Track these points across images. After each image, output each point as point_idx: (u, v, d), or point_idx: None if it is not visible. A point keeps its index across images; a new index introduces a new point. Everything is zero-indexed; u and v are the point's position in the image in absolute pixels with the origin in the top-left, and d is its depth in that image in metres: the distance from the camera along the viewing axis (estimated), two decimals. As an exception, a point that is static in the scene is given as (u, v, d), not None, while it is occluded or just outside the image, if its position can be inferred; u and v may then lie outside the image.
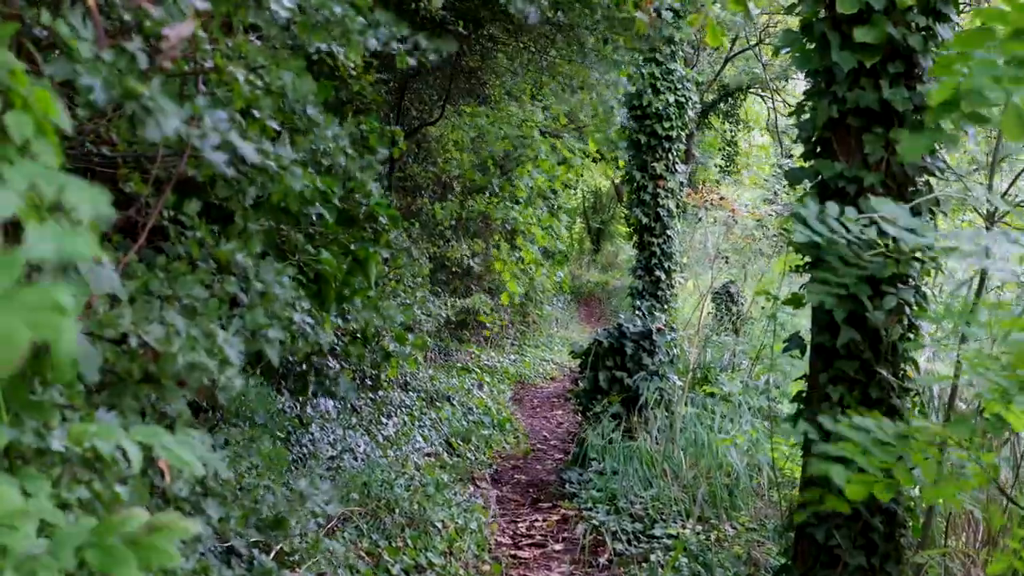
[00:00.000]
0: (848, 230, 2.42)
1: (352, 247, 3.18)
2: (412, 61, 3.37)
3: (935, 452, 2.38)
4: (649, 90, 11.64)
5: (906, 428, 2.36)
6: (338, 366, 5.84)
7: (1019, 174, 4.66)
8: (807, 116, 3.98)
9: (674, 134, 11.87)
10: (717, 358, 9.85)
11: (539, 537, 6.14)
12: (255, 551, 3.69)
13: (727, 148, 24.21)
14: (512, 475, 7.82)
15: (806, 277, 4.03)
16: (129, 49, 1.89)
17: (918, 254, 3.25)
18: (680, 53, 12.00)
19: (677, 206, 12.44)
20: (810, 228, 2.35)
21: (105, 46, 1.89)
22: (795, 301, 4.01)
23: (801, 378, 4.18)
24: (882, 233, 2.52)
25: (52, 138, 1.29)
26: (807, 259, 3.89)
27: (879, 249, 2.53)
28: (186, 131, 1.99)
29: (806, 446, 4.01)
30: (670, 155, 11.97)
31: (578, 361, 8.42)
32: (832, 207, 2.53)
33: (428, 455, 7.47)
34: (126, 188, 2.59)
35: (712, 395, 8.04)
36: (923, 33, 3.68)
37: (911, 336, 3.81)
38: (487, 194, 11.28)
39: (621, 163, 12.90)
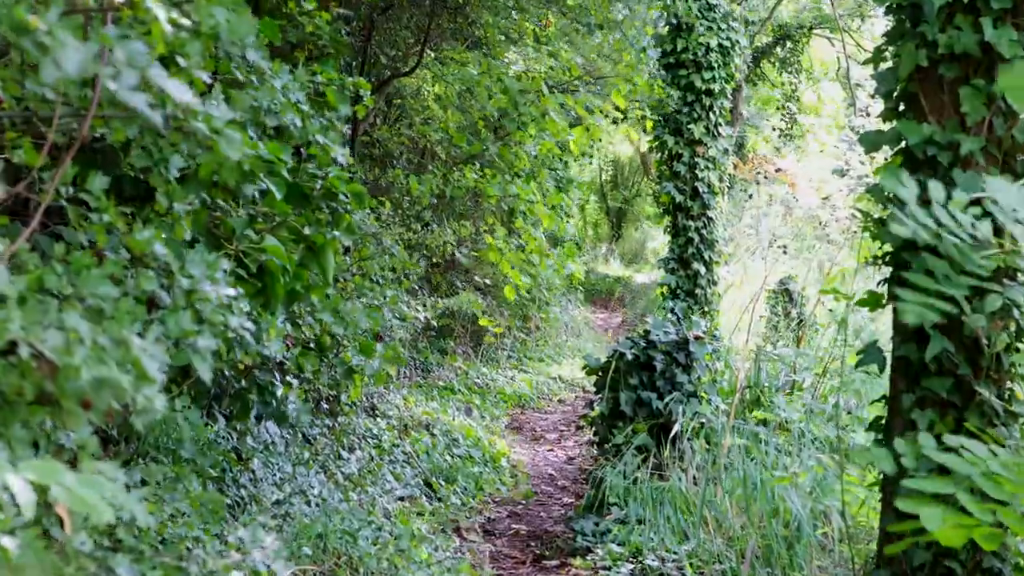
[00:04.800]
0: (959, 223, 2.38)
1: (305, 232, 3.18)
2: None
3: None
4: (685, 31, 11.65)
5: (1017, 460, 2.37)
6: (288, 383, 5.84)
7: None
8: (888, 65, 3.98)
9: (716, 87, 11.89)
10: (772, 375, 9.86)
11: (544, 604, 6.15)
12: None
13: (786, 106, 24.23)
14: (509, 524, 7.83)
15: (887, 270, 4.04)
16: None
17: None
18: (725, -17, 12.02)
19: (721, 180, 12.46)
20: (912, 217, 2.30)
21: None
22: (872, 302, 4.01)
23: (880, 400, 4.19)
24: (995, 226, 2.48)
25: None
26: (889, 247, 3.90)
27: (993, 249, 2.49)
28: (94, 68, 1.99)
29: (885, 486, 4.02)
30: (711, 114, 11.99)
31: (594, 378, 8.42)
32: (936, 188, 2.50)
33: (401, 499, 7.47)
34: (14, 158, 2.60)
35: (765, 423, 8.05)
36: (1036, -42, 3.69)
37: (1021, 346, 3.81)
38: (478, 165, 11.29)
39: (649, 124, 12.89)
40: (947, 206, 2.54)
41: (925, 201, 2.45)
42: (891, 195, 2.52)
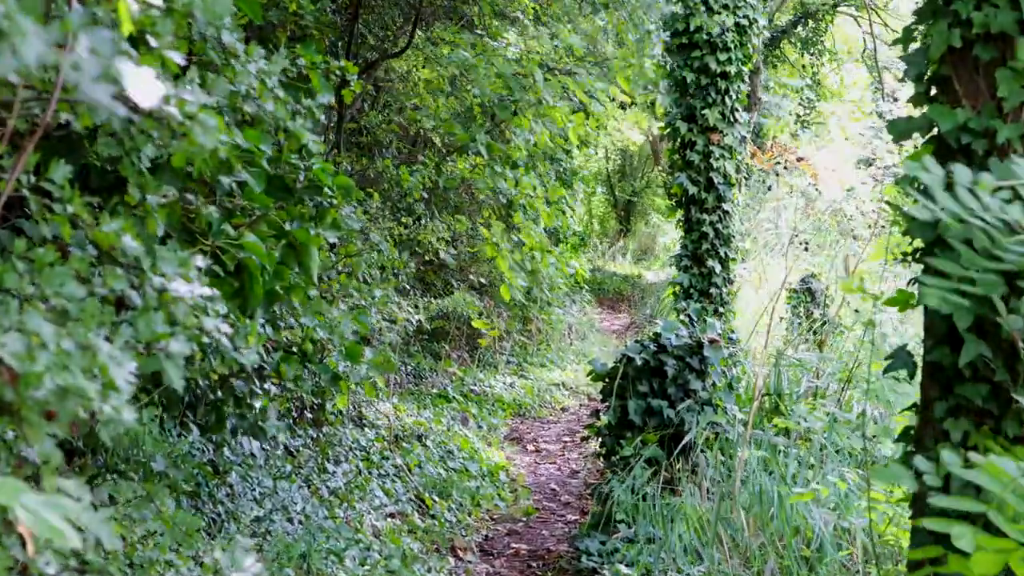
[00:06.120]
0: (986, 206, 2.37)
1: (287, 227, 3.17)
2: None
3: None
4: (699, 8, 11.65)
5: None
6: (268, 392, 5.84)
7: None
8: (918, 45, 3.98)
9: (733, 70, 11.89)
10: (793, 382, 9.87)
11: (546, 629, 6.16)
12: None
13: (807, 90, 24.24)
14: (508, 543, 7.83)
15: (917, 268, 4.03)
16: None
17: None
18: (742, -43, 12.01)
19: (737, 170, 12.46)
20: (933, 200, 2.30)
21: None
22: (900, 301, 4.01)
23: (910, 409, 4.18)
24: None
25: None
26: (920, 243, 3.89)
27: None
28: (55, 58, 1.98)
29: (915, 502, 4.02)
30: (727, 99, 11.99)
31: (600, 385, 8.42)
32: (962, 172, 2.48)
33: (391, 515, 7.48)
34: (-29, 145, 2.59)
35: (786, 433, 8.05)
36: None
37: (1062, 351, 3.81)
38: (472, 154, 11.29)
39: (660, 110, 12.87)
40: (974, 189, 2.53)
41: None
42: (914, 181, 2.51)
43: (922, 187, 2.44)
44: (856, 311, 11.43)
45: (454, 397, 11.70)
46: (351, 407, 8.88)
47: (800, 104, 24.11)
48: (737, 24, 11.81)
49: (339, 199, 3.21)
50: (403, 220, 10.75)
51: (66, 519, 1.51)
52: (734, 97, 12.01)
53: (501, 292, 11.73)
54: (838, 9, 22.87)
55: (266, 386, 5.83)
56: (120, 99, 2.08)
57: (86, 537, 2.22)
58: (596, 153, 26.78)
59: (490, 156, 10.69)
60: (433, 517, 7.85)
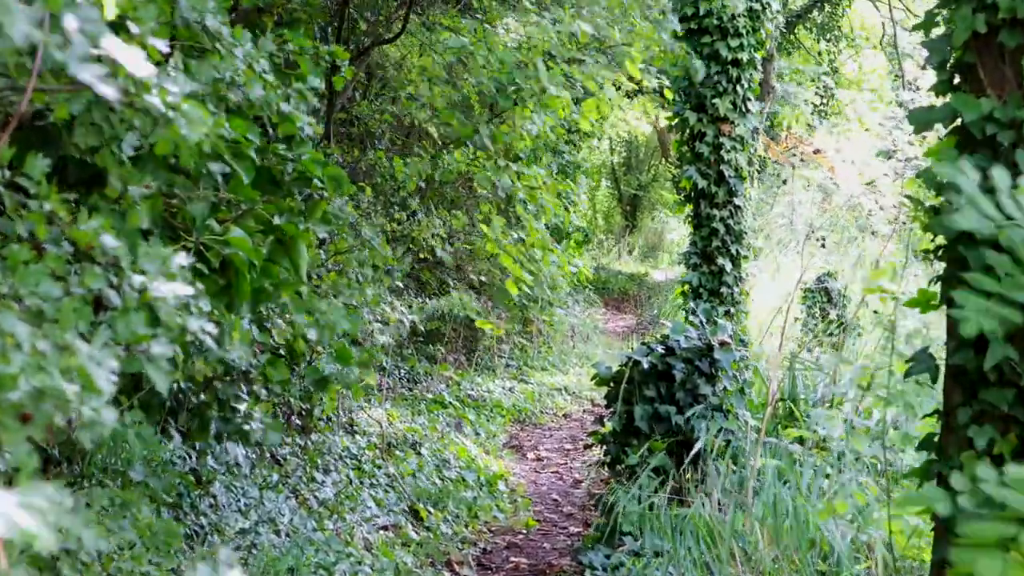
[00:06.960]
0: None
1: (275, 222, 3.18)
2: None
3: None
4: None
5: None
6: (255, 396, 5.85)
7: None
8: (940, 31, 3.98)
9: (745, 57, 11.90)
10: (809, 386, 9.87)
11: (547, 648, 6.16)
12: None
13: (823, 78, 24.24)
14: (507, 557, 7.83)
15: (939, 267, 4.04)
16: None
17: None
18: (755, -63, 12.01)
19: (750, 163, 12.47)
20: (974, 205, 2.28)
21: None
22: (924, 303, 4.01)
23: (932, 415, 4.19)
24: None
25: None
26: (943, 241, 3.90)
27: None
28: (40, 37, 1.98)
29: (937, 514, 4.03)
30: (739, 88, 11.99)
31: (604, 390, 8.42)
32: (1001, 176, 2.44)
33: (384, 528, 7.48)
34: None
35: (801, 440, 8.05)
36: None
37: (1093, 354, 3.81)
38: (471, 146, 11.28)
39: (669, 93, 12.85)
40: (1015, 195, 2.52)
41: (987, 189, 2.45)
42: (947, 182, 2.49)
43: (962, 190, 2.42)
44: (876, 312, 11.43)
45: (450, 402, 11.70)
46: (341, 413, 8.88)
47: (816, 93, 24.09)
48: (750, 8, 11.81)
49: (330, 191, 3.21)
50: (396, 216, 10.75)
51: (44, 522, 1.51)
52: (746, 86, 12.01)
53: (507, 287, 11.71)
54: (856, -8, 22.88)
55: (254, 388, 5.84)
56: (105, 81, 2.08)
57: (64, 547, 2.22)
58: (600, 145, 26.78)
59: (493, 145, 10.67)
60: (428, 529, 7.85)
